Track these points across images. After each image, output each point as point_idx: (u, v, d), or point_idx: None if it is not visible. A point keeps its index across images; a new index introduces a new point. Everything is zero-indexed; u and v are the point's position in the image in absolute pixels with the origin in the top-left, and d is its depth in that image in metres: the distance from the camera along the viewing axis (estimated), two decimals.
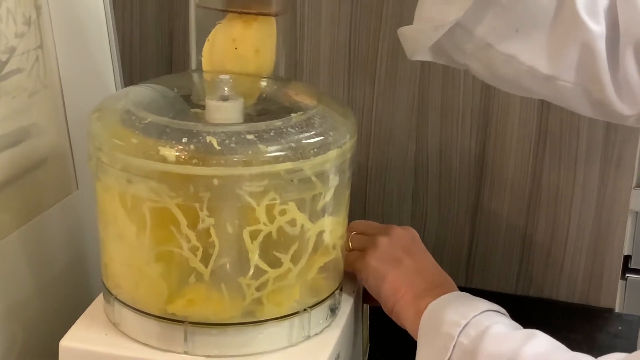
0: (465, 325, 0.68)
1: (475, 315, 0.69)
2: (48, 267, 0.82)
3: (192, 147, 0.65)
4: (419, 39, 0.71)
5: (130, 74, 1.08)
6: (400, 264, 0.77)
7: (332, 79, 1.04)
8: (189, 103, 0.76)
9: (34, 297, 0.79)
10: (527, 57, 0.69)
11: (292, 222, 0.68)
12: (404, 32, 0.73)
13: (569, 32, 0.68)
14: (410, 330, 0.75)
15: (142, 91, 0.75)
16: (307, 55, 1.03)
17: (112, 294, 0.72)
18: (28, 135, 0.79)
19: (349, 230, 0.79)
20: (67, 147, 0.85)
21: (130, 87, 0.77)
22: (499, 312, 0.72)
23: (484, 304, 0.71)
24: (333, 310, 0.75)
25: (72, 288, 0.85)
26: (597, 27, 0.68)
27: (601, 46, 0.68)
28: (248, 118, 0.71)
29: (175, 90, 0.77)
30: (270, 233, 0.67)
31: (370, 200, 1.07)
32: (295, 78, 1.02)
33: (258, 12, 0.75)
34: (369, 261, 0.78)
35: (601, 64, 0.68)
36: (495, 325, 0.68)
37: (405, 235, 0.80)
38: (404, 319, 0.75)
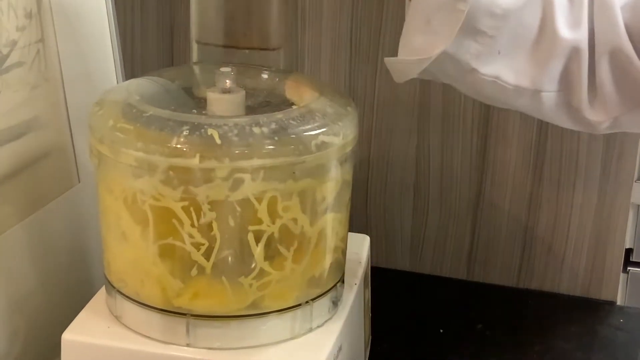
0: None
1: None
2: (50, 260, 0.82)
3: (193, 139, 0.65)
4: (405, 69, 0.72)
5: (132, 67, 1.08)
6: None
7: (333, 71, 1.04)
8: (191, 96, 0.76)
9: (36, 290, 0.80)
10: (512, 77, 0.70)
11: (295, 220, 0.68)
12: (390, 62, 0.73)
13: (551, 48, 0.68)
14: None
15: (144, 84, 0.75)
16: (309, 48, 1.03)
17: (114, 287, 0.72)
18: (29, 128, 0.79)
19: None
20: (69, 141, 0.85)
21: (132, 80, 0.77)
22: None
23: None
24: (335, 303, 0.75)
25: (75, 281, 0.85)
26: (579, 36, 0.68)
27: (584, 55, 0.69)
28: (249, 110, 0.71)
29: (177, 82, 0.77)
30: (273, 234, 0.67)
31: (371, 193, 1.07)
32: (297, 70, 1.02)
33: (259, 48, 0.75)
34: None
35: (582, 72, 0.69)
36: None
37: None
38: None
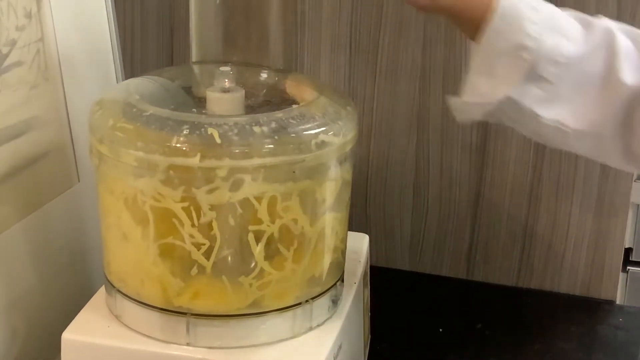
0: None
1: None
2: (50, 260, 0.82)
3: (193, 139, 0.65)
4: (468, 111, 0.74)
5: (132, 66, 1.08)
6: None
7: (333, 72, 1.04)
8: (190, 95, 0.76)
9: (35, 289, 0.80)
10: (572, 122, 0.71)
11: (295, 220, 0.68)
12: (453, 103, 0.75)
13: (615, 94, 0.70)
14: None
15: (144, 83, 0.75)
16: (308, 48, 1.03)
17: (114, 287, 0.72)
18: (29, 128, 0.79)
19: None
20: (68, 140, 0.85)
21: (132, 79, 0.77)
22: None
23: None
24: (335, 302, 0.75)
25: (74, 280, 0.85)
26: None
27: None
28: (249, 110, 0.71)
29: (176, 82, 0.77)
30: (273, 234, 0.67)
31: (371, 193, 1.07)
32: (296, 69, 1.02)
33: (257, 65, 0.76)
34: None
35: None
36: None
37: None
38: None
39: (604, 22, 0.72)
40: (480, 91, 0.72)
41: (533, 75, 0.70)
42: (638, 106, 0.70)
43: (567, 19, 0.72)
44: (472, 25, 0.71)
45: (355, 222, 1.05)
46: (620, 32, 0.71)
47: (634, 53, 0.70)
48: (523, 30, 0.69)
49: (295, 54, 1.03)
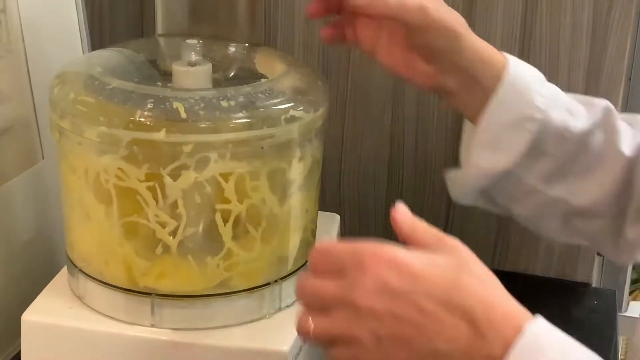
0: None
1: None
2: (12, 238, 0.79)
3: (158, 113, 0.62)
4: (467, 184, 0.73)
5: (100, 40, 1.05)
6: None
7: (306, 46, 1.01)
8: (157, 69, 0.73)
9: None
10: (576, 198, 0.71)
11: (263, 200, 0.66)
12: (452, 175, 0.74)
13: (614, 167, 0.71)
14: None
15: (108, 55, 0.73)
16: (281, 22, 1.01)
17: (76, 267, 0.70)
18: None
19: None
20: (32, 115, 0.82)
21: (95, 51, 0.75)
22: None
23: None
24: None
25: (38, 260, 0.82)
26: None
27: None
28: (216, 83, 0.69)
29: (142, 55, 0.75)
30: (241, 213, 0.65)
31: (345, 171, 1.05)
32: (269, 44, 1.00)
33: (226, 39, 0.74)
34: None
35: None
36: None
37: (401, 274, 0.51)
38: None
39: (603, 102, 0.73)
40: (482, 163, 0.70)
41: (537, 149, 0.70)
42: (633, 178, 0.70)
43: (569, 96, 0.72)
44: (476, 98, 0.69)
45: (328, 202, 1.03)
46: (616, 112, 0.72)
47: (628, 129, 0.71)
48: (531, 102, 0.69)
49: (267, 27, 1.00)
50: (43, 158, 0.84)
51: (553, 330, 0.51)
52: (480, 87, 0.69)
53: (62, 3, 0.88)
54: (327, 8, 0.69)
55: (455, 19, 0.67)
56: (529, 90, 0.69)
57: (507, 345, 0.48)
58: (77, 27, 0.90)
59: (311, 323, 0.52)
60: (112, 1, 1.06)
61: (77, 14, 0.89)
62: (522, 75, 0.69)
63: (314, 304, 0.52)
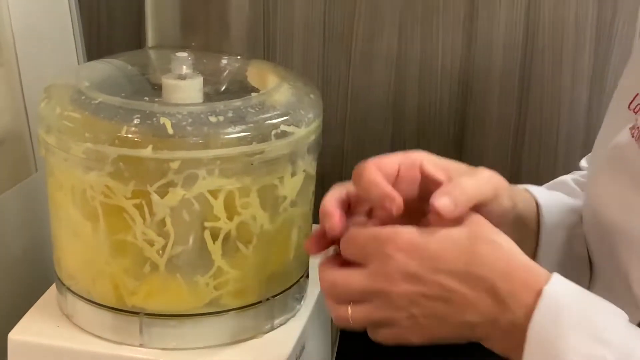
0: None
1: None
2: (2, 253, 0.78)
3: (144, 129, 0.61)
4: None
5: (98, 52, 1.04)
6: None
7: (306, 57, 1.00)
8: (148, 81, 0.72)
9: None
10: None
11: (254, 217, 0.64)
12: None
13: None
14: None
15: (99, 68, 0.72)
16: (280, 33, 1.00)
17: (64, 285, 0.69)
18: None
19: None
20: (25, 128, 0.81)
21: (87, 63, 0.74)
22: None
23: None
24: (299, 299, 0.72)
25: (28, 276, 0.81)
26: None
27: None
28: (207, 97, 0.67)
29: (134, 67, 0.73)
30: (230, 231, 0.64)
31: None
32: (268, 56, 0.99)
33: (218, 51, 0.73)
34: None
35: None
36: None
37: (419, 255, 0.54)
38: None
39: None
40: None
41: None
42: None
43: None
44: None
45: None
46: None
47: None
48: None
49: (265, 40, 0.99)
50: (36, 171, 0.83)
51: (570, 287, 0.52)
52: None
53: (56, 14, 0.87)
54: (328, 243, 0.61)
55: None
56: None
57: (529, 311, 0.50)
58: (72, 38, 0.89)
59: (349, 311, 0.55)
60: (110, 12, 1.05)
61: (72, 24, 0.88)
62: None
63: (346, 298, 0.55)
